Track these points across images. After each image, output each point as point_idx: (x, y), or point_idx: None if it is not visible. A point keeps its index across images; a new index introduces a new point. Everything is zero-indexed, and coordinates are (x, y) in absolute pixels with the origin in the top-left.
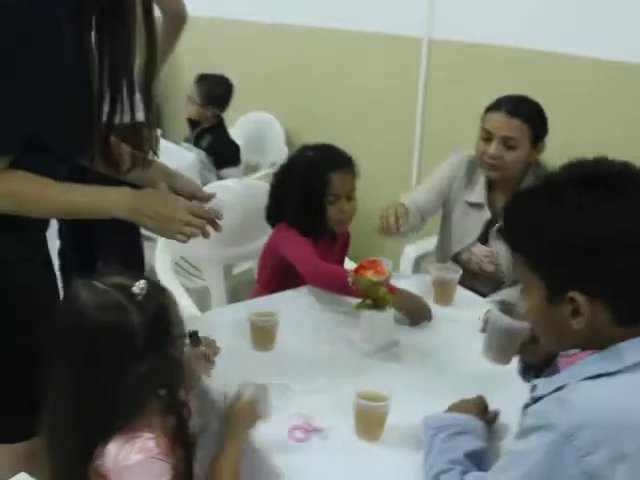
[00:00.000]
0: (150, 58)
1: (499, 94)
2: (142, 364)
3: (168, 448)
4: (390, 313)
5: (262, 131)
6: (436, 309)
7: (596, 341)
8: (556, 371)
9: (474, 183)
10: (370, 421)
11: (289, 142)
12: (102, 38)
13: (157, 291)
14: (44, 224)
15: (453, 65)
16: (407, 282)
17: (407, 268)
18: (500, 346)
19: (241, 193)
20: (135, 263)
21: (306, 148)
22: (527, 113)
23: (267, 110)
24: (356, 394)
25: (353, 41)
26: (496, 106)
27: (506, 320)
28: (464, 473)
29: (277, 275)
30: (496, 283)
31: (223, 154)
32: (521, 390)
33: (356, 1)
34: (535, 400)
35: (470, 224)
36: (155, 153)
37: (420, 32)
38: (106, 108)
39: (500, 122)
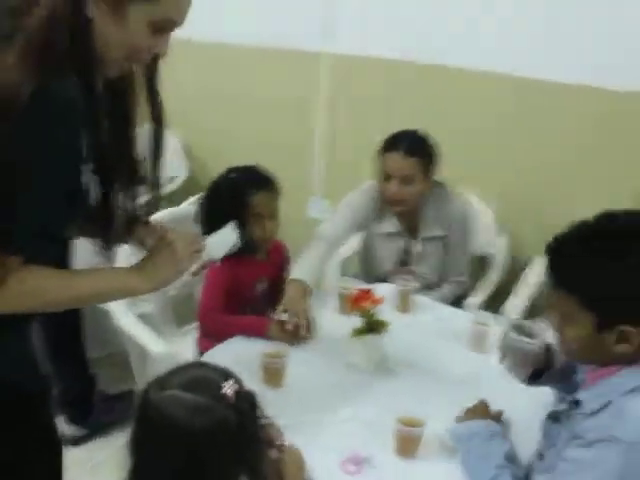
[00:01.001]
0: (154, 135)
1: (398, 106)
2: (240, 459)
3: None
4: (382, 335)
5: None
6: (400, 316)
7: (626, 357)
8: (564, 379)
9: (384, 214)
10: (411, 443)
11: (191, 156)
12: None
13: (241, 386)
14: None
15: (352, 78)
16: None
17: (335, 273)
18: (523, 365)
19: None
20: None
21: (230, 170)
22: (422, 150)
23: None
24: (397, 421)
25: (253, 56)
26: (392, 146)
27: (525, 345)
28: (514, 476)
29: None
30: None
31: None
32: (500, 386)
33: (254, 16)
34: (571, 406)
35: (388, 252)
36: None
37: (317, 46)
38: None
39: (399, 163)
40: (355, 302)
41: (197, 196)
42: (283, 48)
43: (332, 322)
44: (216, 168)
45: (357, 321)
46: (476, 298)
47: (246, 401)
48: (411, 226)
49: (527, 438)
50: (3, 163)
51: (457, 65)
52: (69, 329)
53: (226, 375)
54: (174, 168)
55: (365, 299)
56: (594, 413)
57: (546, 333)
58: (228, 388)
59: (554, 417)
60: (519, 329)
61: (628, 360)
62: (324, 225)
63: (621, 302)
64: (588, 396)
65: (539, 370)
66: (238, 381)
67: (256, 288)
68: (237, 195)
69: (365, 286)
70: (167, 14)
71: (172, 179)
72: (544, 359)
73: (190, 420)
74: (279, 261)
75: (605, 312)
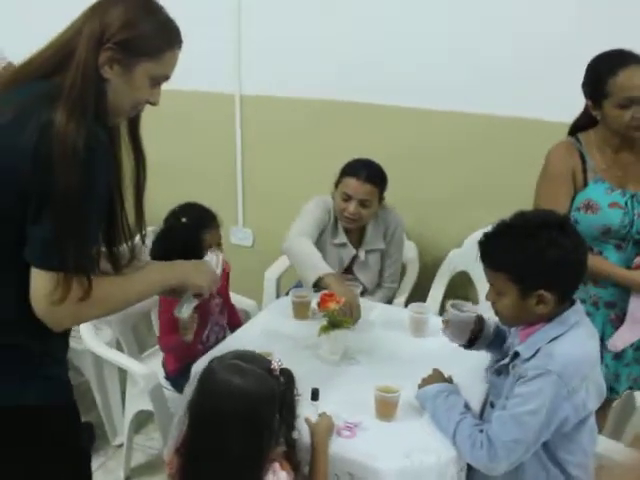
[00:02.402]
0: (138, 175)
1: (306, 139)
2: (281, 418)
3: (288, 469)
4: (346, 330)
5: None
6: None
7: (546, 315)
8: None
9: (337, 227)
10: (390, 407)
11: None
12: None
13: (283, 366)
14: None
15: (264, 117)
16: None
17: (271, 290)
18: (462, 333)
19: None
20: None
21: (177, 213)
22: (378, 179)
23: None
24: (376, 389)
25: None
26: (353, 172)
27: (463, 316)
28: (474, 417)
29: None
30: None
31: None
32: (443, 360)
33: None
34: (513, 358)
35: (336, 259)
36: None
37: (232, 89)
38: None
39: (358, 188)
40: (323, 304)
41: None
42: (200, 90)
43: (292, 327)
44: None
45: (314, 323)
46: (400, 298)
47: (286, 375)
48: (356, 239)
49: (471, 395)
50: (78, 198)
51: (359, 100)
52: None
53: (267, 355)
54: None
55: (330, 301)
56: (530, 358)
57: (475, 309)
58: (276, 364)
59: (499, 371)
60: (456, 307)
61: (546, 318)
62: (294, 228)
63: (536, 274)
64: (523, 348)
65: (473, 338)
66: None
67: (212, 304)
68: (191, 237)
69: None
70: (164, 70)
71: None
72: (477, 328)
73: (251, 385)
74: (224, 276)
75: (525, 283)
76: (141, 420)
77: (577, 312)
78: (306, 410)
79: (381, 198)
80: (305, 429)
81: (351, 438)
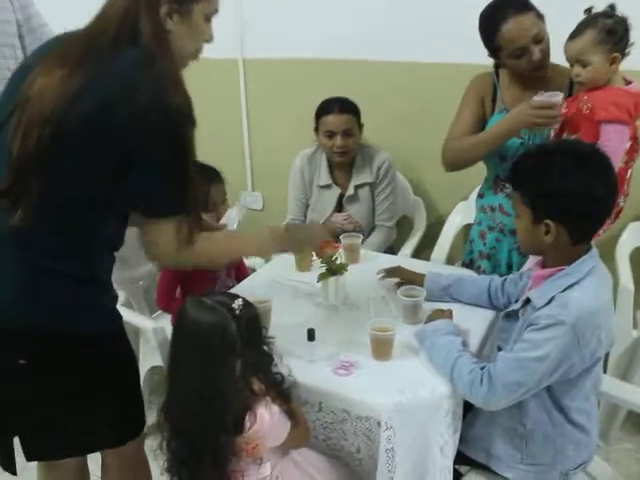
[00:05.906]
0: None
1: (308, 99)
2: (241, 359)
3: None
4: (344, 275)
5: None
6: (351, 266)
7: (559, 254)
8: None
9: (318, 169)
10: (385, 346)
11: None
12: None
13: (248, 307)
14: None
15: (267, 79)
16: None
17: None
18: (412, 314)
19: None
20: None
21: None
22: (352, 108)
23: None
24: (371, 328)
25: None
26: (327, 110)
27: (411, 300)
28: (473, 355)
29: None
30: None
31: None
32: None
33: None
34: (523, 304)
35: (326, 201)
36: None
37: (234, 54)
38: None
39: (337, 121)
40: (320, 249)
41: None
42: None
43: (294, 277)
44: None
45: (316, 273)
46: (407, 250)
47: (247, 312)
48: (345, 177)
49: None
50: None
51: (353, 58)
52: None
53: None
54: None
55: (327, 247)
56: (542, 307)
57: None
58: (237, 304)
59: (508, 315)
60: (406, 293)
61: (563, 262)
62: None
63: (541, 201)
64: (536, 295)
65: None
66: (246, 302)
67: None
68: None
69: None
70: (215, 5)
71: None
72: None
73: (203, 317)
74: None
75: (536, 209)
76: (157, 380)
77: (592, 258)
78: (303, 351)
79: (360, 126)
80: (296, 368)
81: (347, 376)
